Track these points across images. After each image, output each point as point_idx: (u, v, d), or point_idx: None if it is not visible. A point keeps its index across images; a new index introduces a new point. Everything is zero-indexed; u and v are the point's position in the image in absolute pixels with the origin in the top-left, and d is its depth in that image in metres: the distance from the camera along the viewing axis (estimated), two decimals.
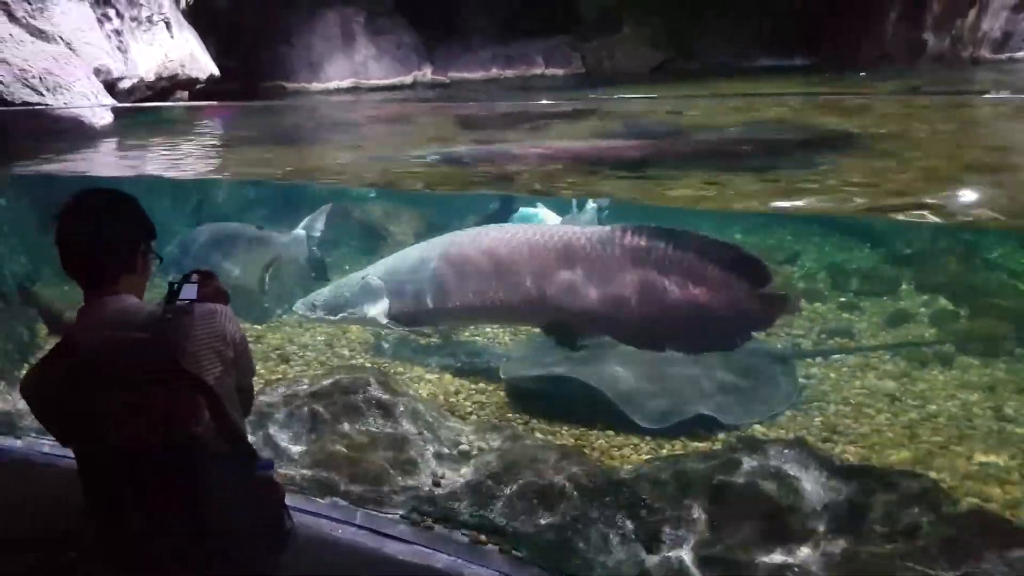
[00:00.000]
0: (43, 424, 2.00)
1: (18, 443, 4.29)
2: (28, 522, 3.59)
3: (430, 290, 4.49)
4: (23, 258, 5.97)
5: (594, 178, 4.67)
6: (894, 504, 3.08)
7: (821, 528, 3.03)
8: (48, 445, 4.15)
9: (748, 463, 3.29)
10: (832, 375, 5.24)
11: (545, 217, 6.96)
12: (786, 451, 3.38)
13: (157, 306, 1.92)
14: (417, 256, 4.64)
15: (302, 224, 6.27)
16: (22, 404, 4.47)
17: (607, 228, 4.25)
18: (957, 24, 8.10)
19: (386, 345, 5.89)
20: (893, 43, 8.48)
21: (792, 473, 3.25)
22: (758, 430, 4.42)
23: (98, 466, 1.89)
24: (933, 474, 3.58)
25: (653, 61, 9.64)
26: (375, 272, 4.69)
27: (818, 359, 5.51)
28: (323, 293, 4.77)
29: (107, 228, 1.91)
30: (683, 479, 3.25)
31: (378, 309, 4.59)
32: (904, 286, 6.94)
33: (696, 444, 4.22)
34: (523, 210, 6.83)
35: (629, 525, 3.12)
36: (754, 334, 4.38)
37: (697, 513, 3.13)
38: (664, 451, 4.12)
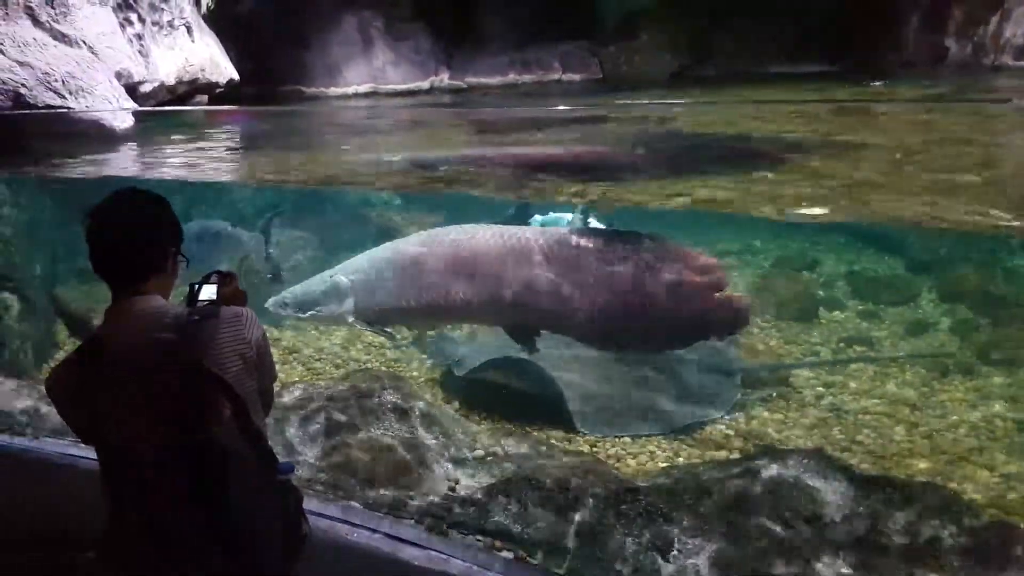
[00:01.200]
0: (67, 422, 2.00)
1: (37, 442, 4.32)
2: (47, 521, 3.61)
3: (393, 289, 4.53)
4: (45, 259, 6.04)
5: (564, 183, 4.75)
6: (915, 516, 3.03)
7: (840, 539, 2.99)
8: (68, 445, 4.17)
9: (767, 472, 3.25)
10: (852, 384, 5.19)
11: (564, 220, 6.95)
12: (805, 461, 3.34)
13: (183, 308, 1.93)
14: (382, 255, 4.68)
15: (259, 225, 6.47)
16: (42, 404, 4.52)
17: (564, 230, 4.33)
18: (979, 31, 8.04)
19: (402, 349, 5.90)
20: (915, 50, 8.43)
21: (811, 483, 3.22)
22: (774, 437, 4.38)
23: (120, 466, 1.89)
24: (954, 486, 3.53)
25: (671, 67, 9.62)
26: (343, 271, 4.73)
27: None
28: (294, 291, 4.79)
29: (140, 229, 1.91)
30: (701, 488, 3.22)
31: (345, 307, 4.59)
32: (925, 295, 6.87)
33: (717, 453, 4.19)
34: (550, 215, 6.85)
35: (646, 534, 3.09)
36: (716, 340, 4.46)
37: (714, 522, 3.09)
38: (681, 459, 4.09)
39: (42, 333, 5.68)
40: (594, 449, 4.24)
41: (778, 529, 3.04)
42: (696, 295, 4.06)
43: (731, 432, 4.47)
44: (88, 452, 3.81)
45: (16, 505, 3.88)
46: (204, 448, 1.84)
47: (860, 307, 6.82)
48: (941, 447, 4.24)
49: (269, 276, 6.56)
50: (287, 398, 4.14)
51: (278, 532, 2.00)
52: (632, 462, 4.09)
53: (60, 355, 5.62)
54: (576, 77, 10.07)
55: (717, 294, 4.09)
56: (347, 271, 4.68)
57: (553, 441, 4.25)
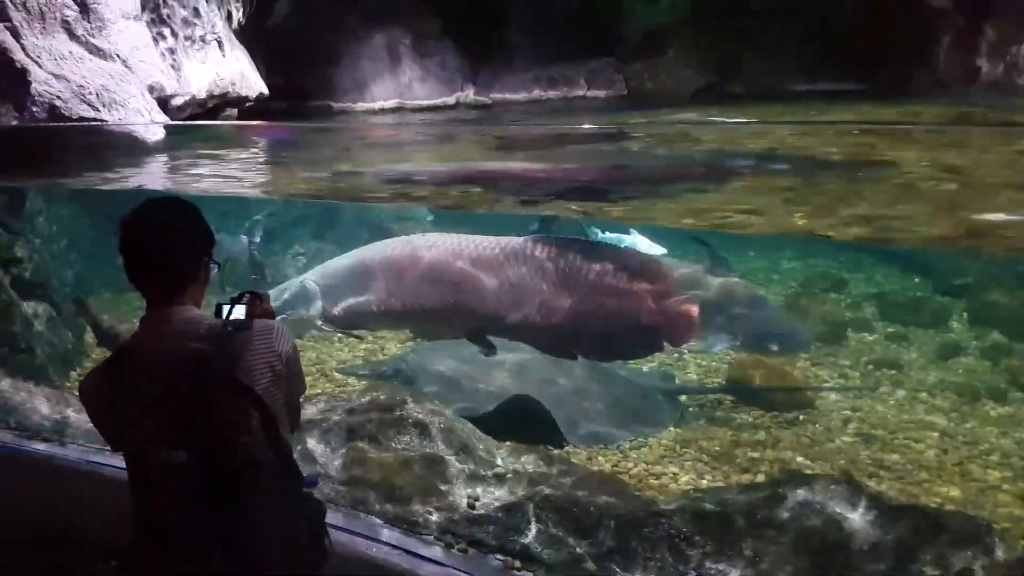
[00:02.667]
0: (97, 428, 2.01)
1: (63, 449, 4.37)
2: (71, 527, 3.65)
3: (358, 295, 4.60)
4: (76, 269, 6.14)
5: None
6: (945, 546, 2.96)
7: (868, 568, 2.92)
8: (94, 452, 4.21)
9: (793, 498, 3.19)
10: (879, 408, 5.10)
11: (637, 243, 6.98)
12: (832, 486, 3.27)
13: (217, 319, 1.94)
14: (348, 261, 4.78)
15: (243, 230, 6.82)
16: (69, 411, 4.58)
17: (520, 239, 4.38)
18: (1012, 51, 7.94)
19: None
20: (947, 69, 8.33)
21: (838, 509, 3.15)
22: (800, 461, 4.31)
23: (147, 474, 1.90)
24: (986, 515, 3.44)
25: (697, 84, 9.60)
26: (312, 276, 4.83)
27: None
28: (269, 295, 4.92)
29: (175, 238, 1.92)
30: (725, 511, 3.17)
31: (314, 311, 4.70)
32: (955, 317, 6.75)
33: (742, 477, 4.13)
34: (609, 234, 6.93)
35: (669, 557, 3.05)
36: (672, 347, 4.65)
37: (739, 548, 3.04)
38: (705, 481, 4.03)
39: (71, 341, 5.76)
40: (615, 468, 4.19)
41: (804, 556, 2.98)
42: (647, 303, 4.15)
43: (756, 455, 4.40)
44: (114, 460, 3.86)
45: (42, 510, 3.92)
46: (232, 459, 1.85)
47: (889, 329, 6.72)
48: (972, 475, 4.15)
49: (253, 277, 6.94)
50: (309, 410, 4.15)
51: (301, 545, 2.00)
52: (654, 483, 4.04)
53: (88, 363, 5.70)
54: (601, 93, 10.07)
55: (669, 302, 4.17)
56: (316, 276, 4.82)
57: (574, 460, 4.21)
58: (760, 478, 4.08)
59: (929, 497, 3.88)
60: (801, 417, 4.97)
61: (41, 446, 4.43)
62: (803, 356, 5.99)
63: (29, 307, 5.33)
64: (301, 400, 2.19)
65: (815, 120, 6.59)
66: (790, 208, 4.13)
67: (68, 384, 5.30)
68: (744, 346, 5.41)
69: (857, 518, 3.10)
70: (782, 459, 4.38)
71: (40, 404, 4.67)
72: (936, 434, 4.68)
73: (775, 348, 5.40)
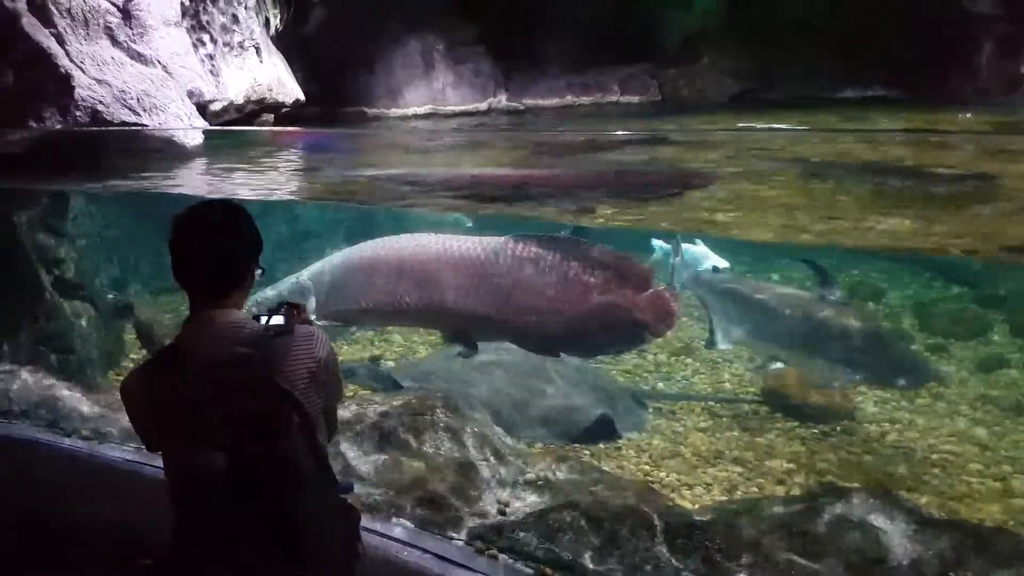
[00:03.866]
0: (136, 426, 2.02)
1: (102, 448, 4.44)
2: (107, 525, 3.70)
3: (347, 291, 4.70)
4: (116, 270, 6.25)
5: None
6: (987, 563, 2.88)
7: None
8: (132, 452, 4.28)
9: (830, 511, 3.13)
10: (920, 421, 4.99)
11: (702, 254, 6.98)
12: (871, 500, 3.21)
13: (259, 323, 1.96)
14: (339, 259, 4.86)
15: None
16: (108, 410, 4.66)
17: (500, 238, 4.43)
18: None
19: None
20: (989, 76, 8.16)
21: (877, 524, 3.09)
22: (837, 473, 4.23)
23: (186, 475, 1.91)
24: None
25: (733, 90, 9.51)
26: (307, 273, 4.92)
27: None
28: (267, 292, 5.02)
29: (228, 241, 1.94)
30: (760, 524, 3.12)
31: (307, 307, 4.78)
32: (996, 329, 6.60)
33: (777, 489, 4.06)
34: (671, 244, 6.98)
35: (703, 569, 3.01)
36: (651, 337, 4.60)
37: (775, 561, 2.99)
38: (739, 492, 3.98)
39: (112, 341, 5.86)
40: (647, 478, 4.15)
41: (842, 571, 2.92)
42: (624, 296, 4.24)
43: (792, 466, 4.33)
44: (151, 459, 3.91)
45: (79, 508, 3.99)
46: (272, 462, 1.87)
47: (929, 340, 6.58)
48: (1015, 491, 4.04)
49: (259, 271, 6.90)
50: (342, 413, 4.17)
51: (335, 550, 2.00)
52: (687, 493, 4.00)
53: (127, 363, 5.80)
54: (635, 99, 10.02)
55: (645, 294, 4.25)
56: (310, 273, 4.92)
57: (605, 468, 4.18)
58: (796, 491, 4.02)
59: (970, 513, 3.79)
60: (838, 429, 4.89)
61: (80, 443, 4.51)
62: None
63: (71, 307, 5.43)
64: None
65: (891, 129, 6.38)
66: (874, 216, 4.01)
67: (107, 383, 5.39)
68: (867, 380, 5.13)
69: (896, 533, 3.03)
70: (818, 471, 4.30)
71: (80, 402, 4.75)
72: (977, 448, 4.57)
73: (902, 383, 5.11)
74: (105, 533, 3.69)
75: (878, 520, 3.10)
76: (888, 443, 4.72)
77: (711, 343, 5.41)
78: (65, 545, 3.73)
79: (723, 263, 6.76)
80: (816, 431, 4.87)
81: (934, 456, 4.49)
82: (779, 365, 5.37)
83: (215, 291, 1.92)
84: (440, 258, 4.44)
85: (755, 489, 4.04)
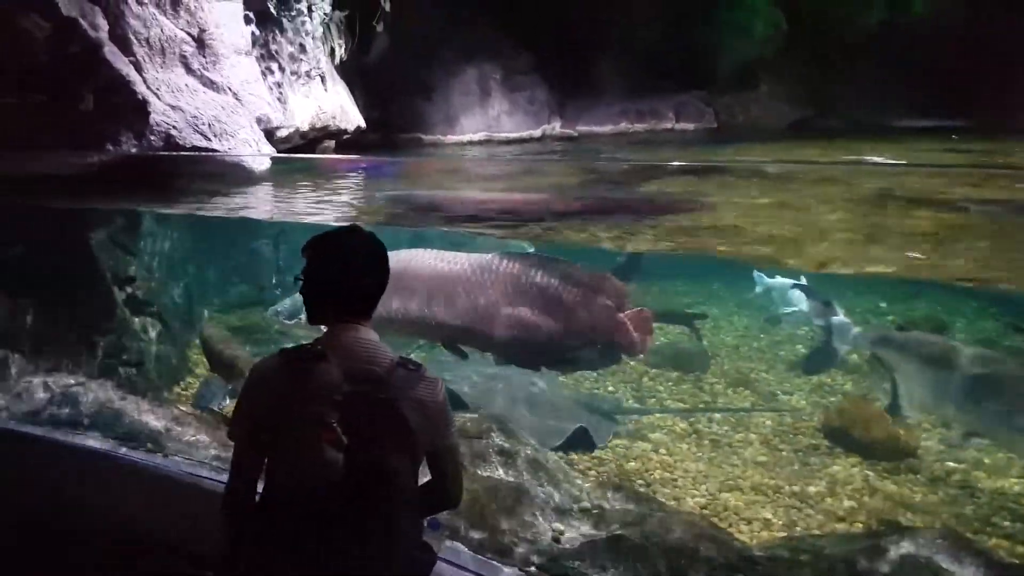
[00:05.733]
0: (248, 408, 2.03)
1: (166, 460, 4.55)
2: (171, 537, 3.78)
3: None
4: (183, 289, 6.45)
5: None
6: None
7: None
8: (195, 464, 4.37)
9: (895, 550, 3.04)
10: (986, 460, 4.82)
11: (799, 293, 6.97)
12: (937, 540, 3.11)
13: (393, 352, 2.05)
14: None
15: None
16: (173, 423, 4.78)
17: (488, 256, 4.63)
18: None
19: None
20: None
21: (944, 566, 2.99)
22: (900, 512, 4.11)
23: (296, 472, 1.94)
24: None
25: (790, 117, 9.43)
26: None
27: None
28: (285, 302, 5.28)
29: (383, 265, 2.10)
30: (822, 562, 3.05)
31: None
32: None
33: (838, 526, 3.96)
34: (776, 279, 7.01)
35: None
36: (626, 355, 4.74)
37: None
38: (798, 528, 3.89)
39: (178, 357, 6.04)
40: (704, 511, 4.09)
41: None
42: (601, 315, 4.41)
43: (854, 503, 4.22)
44: (213, 473, 3.99)
45: (144, 520, 4.09)
46: (378, 481, 1.93)
47: None
48: None
49: (275, 279, 7.63)
50: None
51: None
52: (745, 528, 3.92)
53: (192, 379, 5.97)
54: (690, 126, 10.01)
55: (621, 314, 4.40)
56: None
57: (661, 499, 4.14)
58: (857, 527, 3.91)
59: None
60: (902, 466, 4.75)
61: (145, 456, 4.64)
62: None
63: (140, 323, 5.63)
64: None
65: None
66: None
67: (172, 397, 5.55)
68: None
69: None
70: (880, 509, 4.18)
71: (146, 415, 4.89)
72: None
73: None
74: (168, 544, 3.77)
75: (946, 562, 3.00)
76: (954, 482, 4.57)
77: (894, 409, 5.05)
78: (128, 555, 3.83)
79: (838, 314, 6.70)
80: (880, 467, 4.73)
81: (1002, 498, 4.32)
82: (979, 440, 4.82)
83: (365, 309, 2.06)
84: (431, 271, 4.68)
85: (815, 525, 3.94)
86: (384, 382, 1.95)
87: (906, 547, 3.07)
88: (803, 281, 6.91)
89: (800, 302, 6.87)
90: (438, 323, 4.64)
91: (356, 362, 1.96)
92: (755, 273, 7.37)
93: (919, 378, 4.83)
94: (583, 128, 10.05)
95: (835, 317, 5.33)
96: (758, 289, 7.66)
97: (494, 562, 3.52)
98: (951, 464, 4.79)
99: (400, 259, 4.81)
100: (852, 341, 5.40)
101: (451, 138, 9.32)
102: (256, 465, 2.03)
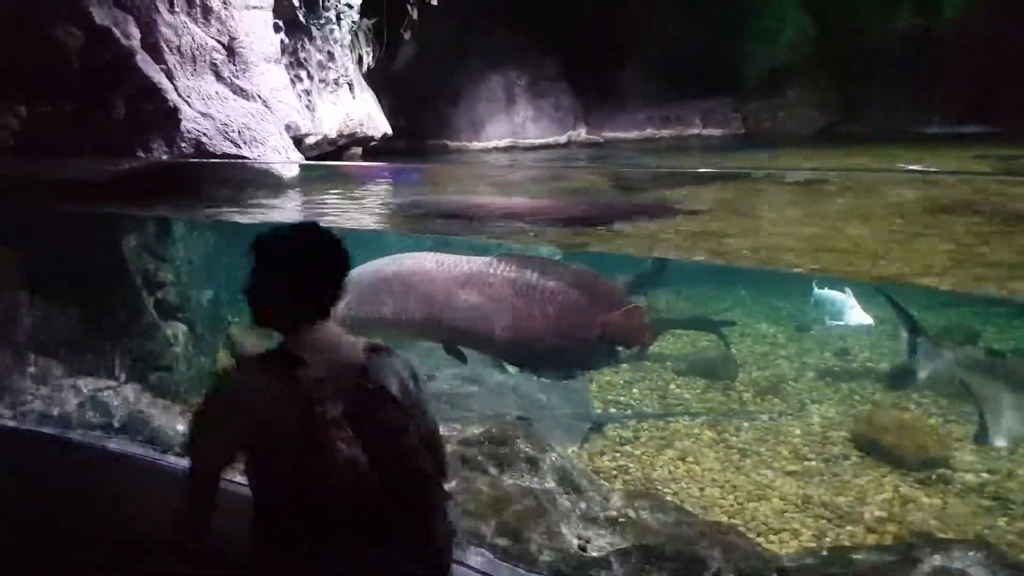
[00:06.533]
0: (221, 432, 1.95)
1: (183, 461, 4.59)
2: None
3: (352, 303, 4.91)
4: (212, 294, 6.51)
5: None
6: None
7: None
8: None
9: (928, 563, 2.99)
10: (1020, 472, 4.72)
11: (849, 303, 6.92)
12: (971, 553, 3.05)
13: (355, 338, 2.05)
14: (356, 273, 5.14)
15: None
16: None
17: (485, 259, 4.69)
18: None
19: (540, 397, 5.94)
20: None
21: None
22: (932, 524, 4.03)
23: (293, 481, 1.92)
24: None
25: (818, 124, 9.33)
26: None
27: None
28: None
29: (340, 258, 2.04)
30: (852, 574, 3.00)
31: None
32: None
33: (868, 538, 3.90)
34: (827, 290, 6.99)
35: None
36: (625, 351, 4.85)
37: None
38: (828, 539, 3.83)
39: (206, 362, 6.10)
40: (732, 520, 4.05)
41: None
42: (595, 314, 4.44)
43: (883, 514, 4.15)
44: (240, 477, 4.03)
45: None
46: (398, 470, 1.94)
47: None
48: None
49: None
50: None
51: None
52: (774, 538, 3.87)
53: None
54: (716, 132, 9.94)
55: (616, 312, 4.44)
56: None
57: (687, 507, 4.10)
58: (888, 539, 3.85)
59: None
60: (933, 477, 4.67)
61: (174, 460, 4.69)
62: (935, 411, 5.65)
63: (170, 328, 5.69)
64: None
65: None
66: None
67: (197, 400, 5.59)
68: None
69: None
70: (912, 521, 4.11)
71: (175, 420, 4.95)
72: None
73: None
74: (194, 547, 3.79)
75: (979, 573, 2.94)
76: (987, 494, 4.48)
77: (982, 438, 4.71)
78: (156, 558, 3.86)
79: (867, 319, 6.63)
80: (911, 478, 4.65)
81: None
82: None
83: (326, 306, 2.00)
84: (431, 274, 4.77)
85: (846, 537, 3.88)
86: (368, 368, 1.95)
87: (939, 560, 3.01)
88: (847, 291, 6.84)
89: (852, 313, 6.78)
90: (437, 325, 4.73)
91: (336, 356, 1.95)
92: (814, 283, 7.30)
93: (1011, 405, 4.70)
94: (608, 134, 10.02)
95: (921, 337, 5.15)
96: (816, 300, 7.57)
97: (520, 569, 3.51)
98: (984, 475, 4.69)
99: (399, 262, 4.96)
100: (940, 363, 5.25)
101: (476, 144, 9.35)
102: (215, 492, 1.99)
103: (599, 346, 4.55)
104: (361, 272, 5.09)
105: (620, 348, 4.69)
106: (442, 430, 4.27)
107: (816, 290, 7.28)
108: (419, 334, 5.12)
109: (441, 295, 4.70)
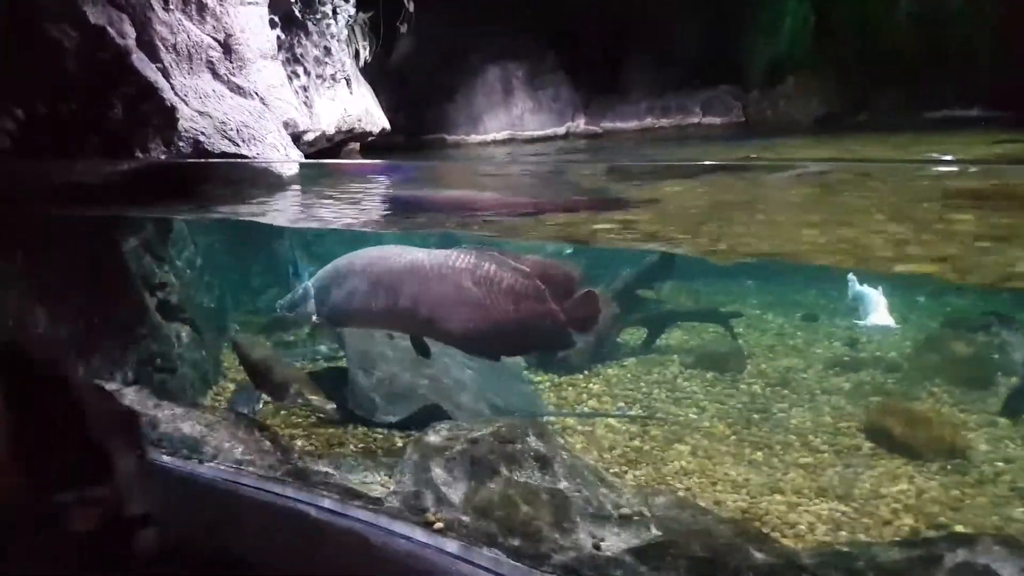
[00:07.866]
0: None
1: (201, 467, 4.54)
2: (204, 543, 3.76)
3: (335, 295, 5.09)
4: (214, 294, 6.46)
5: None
6: None
7: None
8: (232, 471, 4.35)
9: (951, 558, 2.93)
10: None
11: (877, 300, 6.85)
12: (996, 548, 2.99)
13: None
14: (333, 266, 5.26)
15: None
16: (207, 430, 4.77)
17: (446, 251, 4.82)
18: None
19: (546, 395, 5.88)
20: None
21: (1004, 574, 2.87)
22: (949, 515, 3.98)
23: None
24: None
25: (819, 112, 9.26)
26: (313, 280, 5.31)
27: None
28: (288, 295, 5.46)
29: None
30: (876, 570, 2.94)
31: (310, 309, 5.25)
32: None
33: (884, 530, 3.84)
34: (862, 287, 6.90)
35: None
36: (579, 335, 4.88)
37: None
38: (843, 532, 3.78)
39: (210, 362, 6.04)
40: (746, 515, 3.99)
41: None
42: (546, 300, 4.55)
43: (899, 506, 4.10)
44: (251, 480, 3.97)
45: (177, 526, 4.07)
46: None
47: None
48: None
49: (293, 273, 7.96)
50: (432, 438, 4.17)
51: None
52: (790, 532, 3.82)
53: (227, 384, 5.97)
54: (717, 121, 9.86)
55: (572, 297, 4.54)
56: (315, 279, 5.32)
57: (701, 503, 4.05)
58: (904, 531, 3.80)
59: None
60: (948, 467, 4.61)
61: (179, 462, 4.63)
62: (949, 402, 5.59)
63: (173, 329, 5.63)
64: None
65: None
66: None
67: (206, 403, 5.55)
68: None
69: None
70: (927, 512, 4.06)
71: (179, 421, 4.89)
72: None
73: None
74: (200, 550, 3.75)
75: (1008, 571, 2.89)
76: (1004, 483, 4.43)
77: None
78: (153, 562, 3.81)
79: (890, 321, 6.59)
80: (925, 469, 4.60)
81: None
82: None
83: None
84: (396, 267, 4.89)
85: (861, 529, 3.83)
86: None
87: (962, 554, 2.96)
88: (878, 289, 6.79)
89: (880, 310, 6.74)
90: (402, 316, 4.84)
91: None
92: (850, 276, 7.27)
93: None
94: (608, 125, 9.95)
95: None
96: (850, 295, 7.53)
97: (534, 570, 3.46)
98: (1000, 465, 4.64)
99: (372, 254, 5.07)
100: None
101: (474, 138, 9.28)
102: None
103: (555, 331, 4.65)
104: (340, 263, 5.21)
105: (575, 332, 4.76)
106: (452, 430, 4.24)
107: (857, 287, 7.23)
108: (386, 326, 5.28)
109: (401, 286, 4.83)
